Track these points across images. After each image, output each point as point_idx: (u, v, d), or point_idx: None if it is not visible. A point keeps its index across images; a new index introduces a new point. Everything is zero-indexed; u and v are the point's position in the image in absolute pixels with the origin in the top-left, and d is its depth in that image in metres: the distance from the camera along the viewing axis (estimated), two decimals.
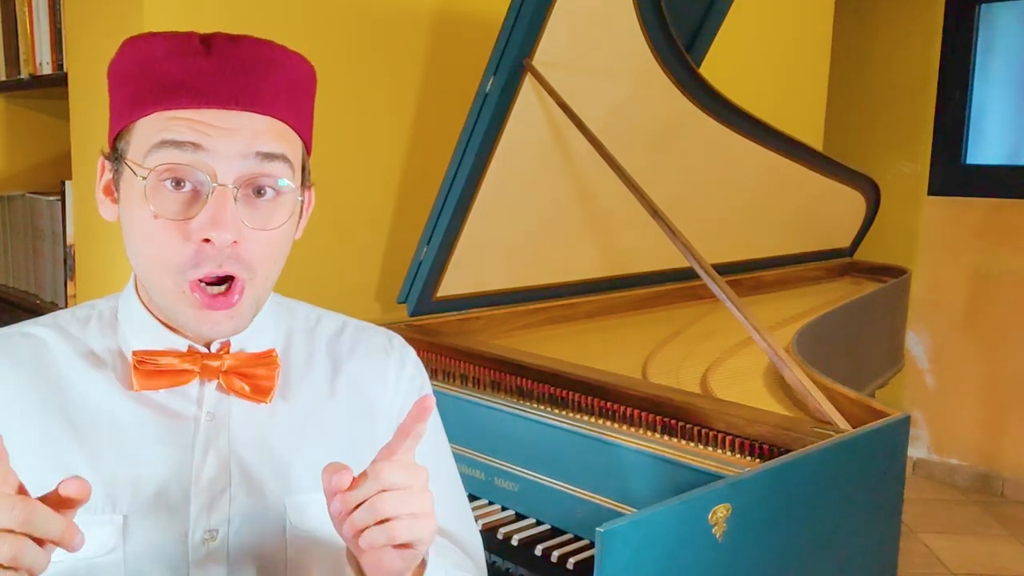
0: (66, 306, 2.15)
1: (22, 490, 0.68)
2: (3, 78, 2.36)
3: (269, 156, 0.83)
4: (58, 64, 2.14)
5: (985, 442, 3.94)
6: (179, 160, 0.81)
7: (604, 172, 1.89)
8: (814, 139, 3.49)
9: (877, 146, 4.15)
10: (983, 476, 3.93)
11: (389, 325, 1.09)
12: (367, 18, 2.14)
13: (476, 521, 1.13)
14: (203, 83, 0.81)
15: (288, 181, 0.85)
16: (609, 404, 1.56)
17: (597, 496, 1.44)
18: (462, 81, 2.10)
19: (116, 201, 0.88)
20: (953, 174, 3.98)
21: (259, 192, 0.84)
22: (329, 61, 2.07)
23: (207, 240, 0.81)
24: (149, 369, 0.87)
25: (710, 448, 1.43)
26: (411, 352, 1.05)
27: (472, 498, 1.58)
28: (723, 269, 1.86)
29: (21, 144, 2.53)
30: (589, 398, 1.58)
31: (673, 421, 1.49)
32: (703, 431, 1.45)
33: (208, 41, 0.82)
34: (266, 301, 0.92)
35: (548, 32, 1.84)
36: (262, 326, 0.94)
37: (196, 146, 0.80)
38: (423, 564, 0.83)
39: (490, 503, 1.59)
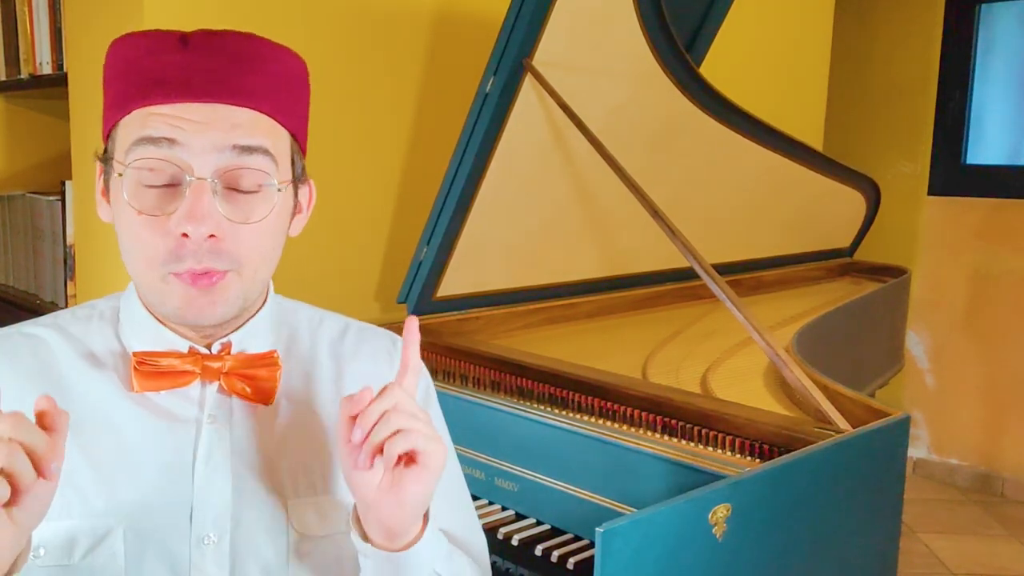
0: (66, 306, 2.15)
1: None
2: (3, 78, 2.36)
3: (247, 149, 0.82)
4: (58, 64, 2.14)
5: (985, 442, 3.93)
6: (155, 156, 0.81)
7: (604, 172, 1.89)
8: (814, 139, 3.49)
9: (877, 146, 4.15)
10: (983, 476, 3.93)
11: (389, 325, 1.09)
12: (367, 18, 2.14)
13: None
14: (178, 78, 0.81)
15: (270, 174, 0.84)
16: (609, 404, 1.56)
17: (597, 496, 1.44)
18: (462, 81, 2.10)
19: (111, 202, 0.88)
20: (953, 174, 3.98)
21: (241, 186, 0.83)
22: (329, 61, 2.07)
23: (185, 235, 0.81)
24: (149, 370, 0.86)
25: (710, 448, 1.43)
26: None
27: (472, 498, 1.58)
28: (723, 269, 1.86)
29: (21, 144, 2.53)
30: (589, 398, 1.58)
31: (673, 421, 1.49)
32: (703, 431, 1.45)
33: (187, 37, 0.83)
34: (258, 297, 0.91)
35: (548, 32, 1.84)
36: (264, 327, 0.94)
37: (171, 141, 0.81)
38: (424, 521, 0.84)
39: (490, 503, 1.59)
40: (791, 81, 3.43)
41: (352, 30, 2.12)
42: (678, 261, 1.95)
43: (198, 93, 0.81)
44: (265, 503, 0.88)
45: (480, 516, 1.53)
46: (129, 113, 0.83)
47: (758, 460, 1.38)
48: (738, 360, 1.97)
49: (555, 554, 1.41)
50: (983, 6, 3.88)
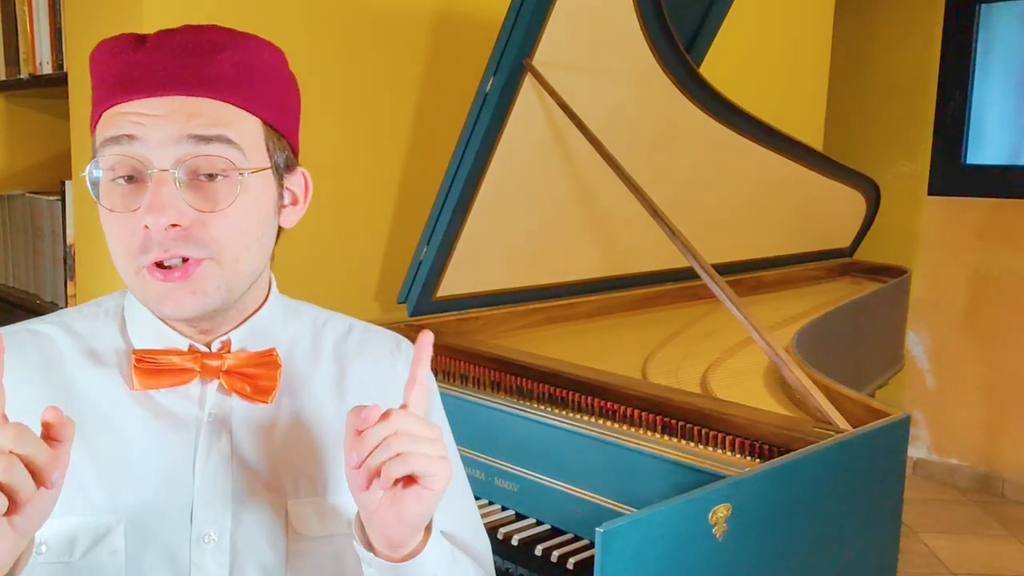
0: (66, 306, 2.15)
1: (4, 419, 0.70)
2: (3, 78, 2.36)
3: (204, 139, 0.82)
4: (58, 64, 2.14)
5: (985, 442, 3.93)
6: (117, 153, 0.82)
7: (604, 172, 1.89)
8: (814, 139, 3.49)
9: (877, 146, 4.15)
10: (983, 476, 3.93)
11: (389, 325, 1.09)
12: (367, 18, 2.14)
13: None
14: (135, 75, 0.82)
15: (233, 161, 0.83)
16: (609, 404, 1.56)
17: (597, 496, 1.44)
18: (462, 81, 2.10)
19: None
20: (953, 174, 3.98)
21: (209, 175, 0.83)
22: (329, 61, 2.07)
23: (147, 226, 0.81)
24: (149, 367, 0.87)
25: (710, 448, 1.43)
26: None
27: None
28: (723, 269, 1.86)
29: (21, 144, 2.53)
30: (589, 398, 1.58)
31: (673, 421, 1.49)
32: (703, 431, 1.45)
33: (146, 36, 0.84)
34: (248, 290, 0.90)
35: (548, 32, 1.84)
36: (265, 326, 0.93)
37: (131, 137, 0.82)
38: (427, 531, 0.83)
39: (490, 503, 1.59)
40: (791, 81, 3.43)
41: (352, 30, 2.12)
42: (678, 261, 1.95)
43: (155, 87, 0.82)
44: (264, 503, 0.88)
45: (480, 516, 1.53)
46: (100, 116, 0.85)
47: (758, 460, 1.38)
48: (738, 360, 1.97)
49: (555, 554, 1.41)
50: (983, 6, 3.88)
